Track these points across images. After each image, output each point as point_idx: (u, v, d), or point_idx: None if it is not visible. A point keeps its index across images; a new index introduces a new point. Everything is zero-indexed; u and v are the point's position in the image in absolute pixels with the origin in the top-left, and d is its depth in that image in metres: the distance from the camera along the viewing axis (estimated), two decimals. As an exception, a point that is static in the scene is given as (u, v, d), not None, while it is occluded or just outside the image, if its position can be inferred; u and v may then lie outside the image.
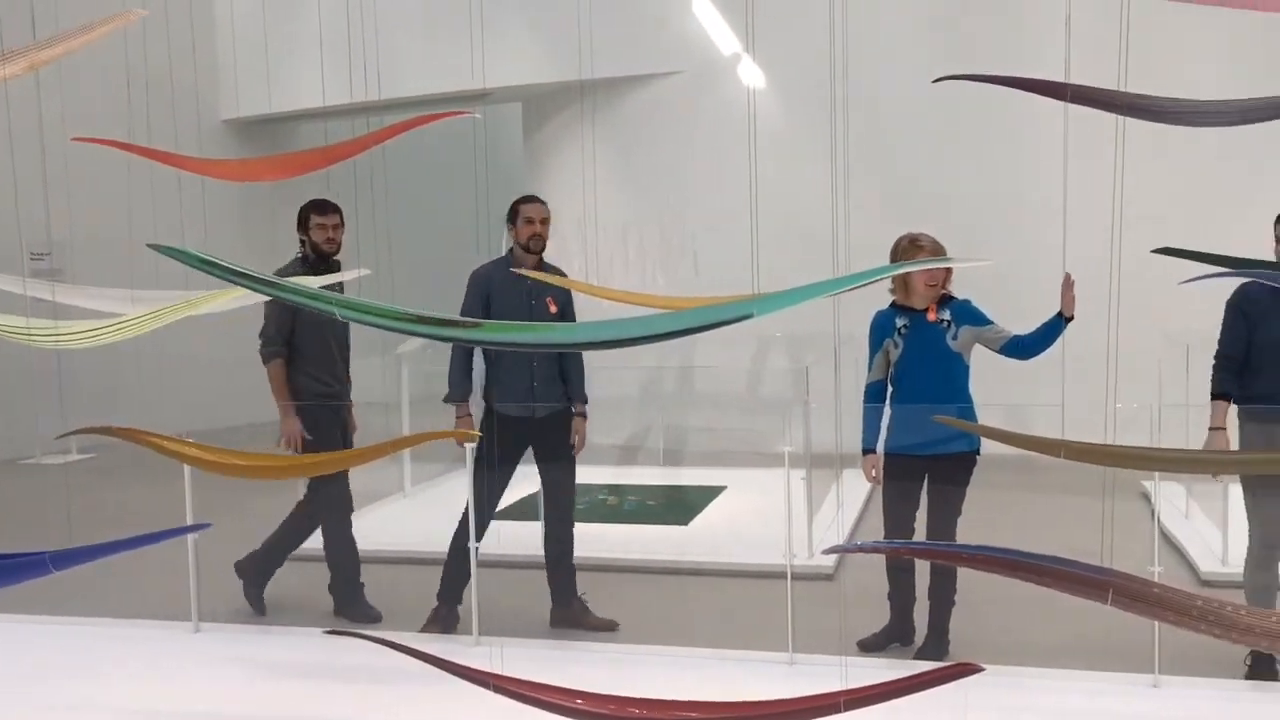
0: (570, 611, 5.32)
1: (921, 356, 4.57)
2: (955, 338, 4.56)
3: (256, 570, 5.67)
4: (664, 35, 10.28)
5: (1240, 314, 4.35)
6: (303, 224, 5.40)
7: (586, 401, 5.26)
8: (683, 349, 8.57)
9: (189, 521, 5.05)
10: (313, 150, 3.65)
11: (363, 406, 5.96)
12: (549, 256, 5.25)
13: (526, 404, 5.01)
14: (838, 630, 5.08)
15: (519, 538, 6.62)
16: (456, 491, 8.45)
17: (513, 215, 5.14)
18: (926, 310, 4.59)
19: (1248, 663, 4.42)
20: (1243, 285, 4.36)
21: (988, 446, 4.35)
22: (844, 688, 2.72)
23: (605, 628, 5.25)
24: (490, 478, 5.18)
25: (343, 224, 5.43)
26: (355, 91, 11.63)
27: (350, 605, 5.57)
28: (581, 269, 8.84)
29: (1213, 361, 4.48)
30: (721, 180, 9.43)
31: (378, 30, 10.98)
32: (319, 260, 5.35)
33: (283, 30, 11.62)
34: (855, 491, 7.67)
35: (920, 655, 4.64)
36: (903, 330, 4.61)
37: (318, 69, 10.97)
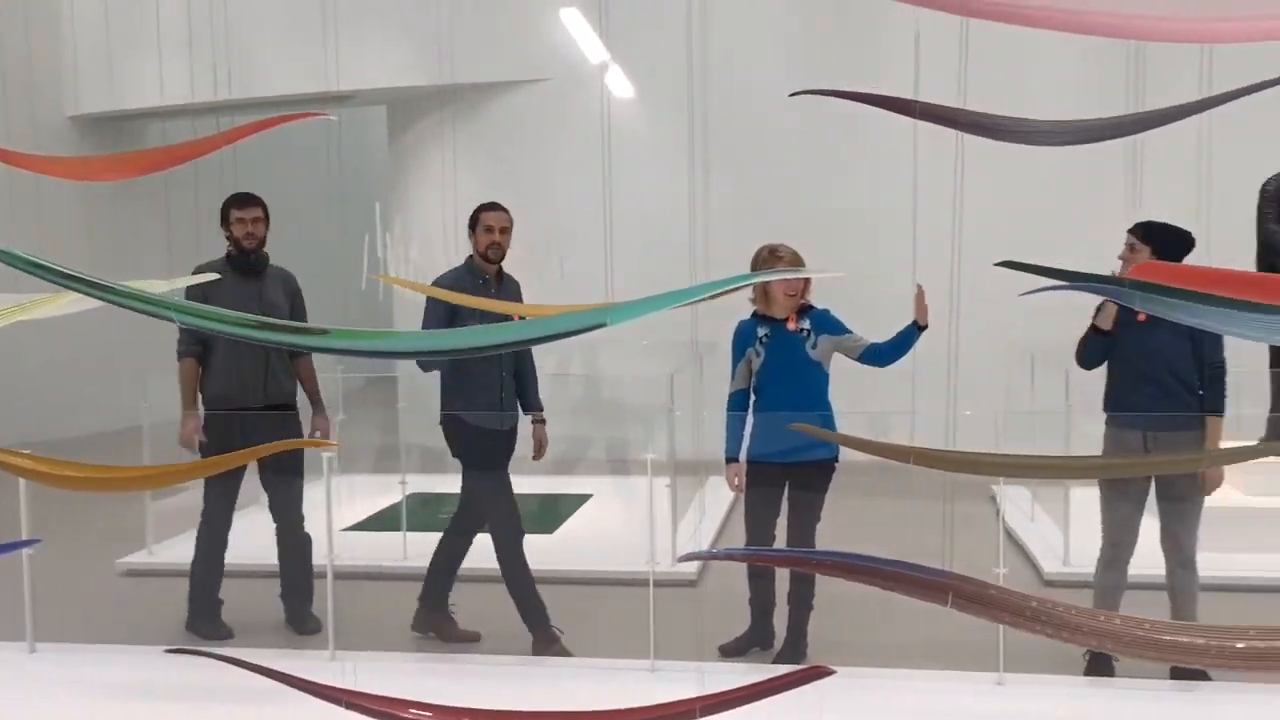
0: (547, 633, 5.09)
1: (782, 365, 4.65)
2: (815, 346, 4.65)
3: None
4: (532, 42, 10.27)
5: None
6: (224, 219, 5.21)
7: (542, 409, 5.20)
8: (558, 354, 8.55)
9: (23, 537, 4.81)
10: (156, 149, 3.54)
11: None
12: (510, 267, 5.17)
13: (497, 414, 4.96)
14: (699, 636, 5.14)
15: (378, 548, 6.54)
16: (317, 501, 8.32)
17: (473, 223, 5.02)
18: (787, 320, 4.66)
19: (1086, 658, 4.61)
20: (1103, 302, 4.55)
21: (847, 453, 4.47)
22: (700, 693, 2.74)
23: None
24: (476, 482, 5.14)
25: (266, 218, 5.23)
26: (210, 90, 11.35)
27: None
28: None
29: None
30: (587, 188, 9.46)
31: (232, 28, 10.77)
32: (241, 256, 5.18)
33: (132, 25, 11.23)
34: (718, 499, 7.77)
35: (779, 659, 4.72)
36: (764, 340, 4.68)
37: (169, 65, 10.66)
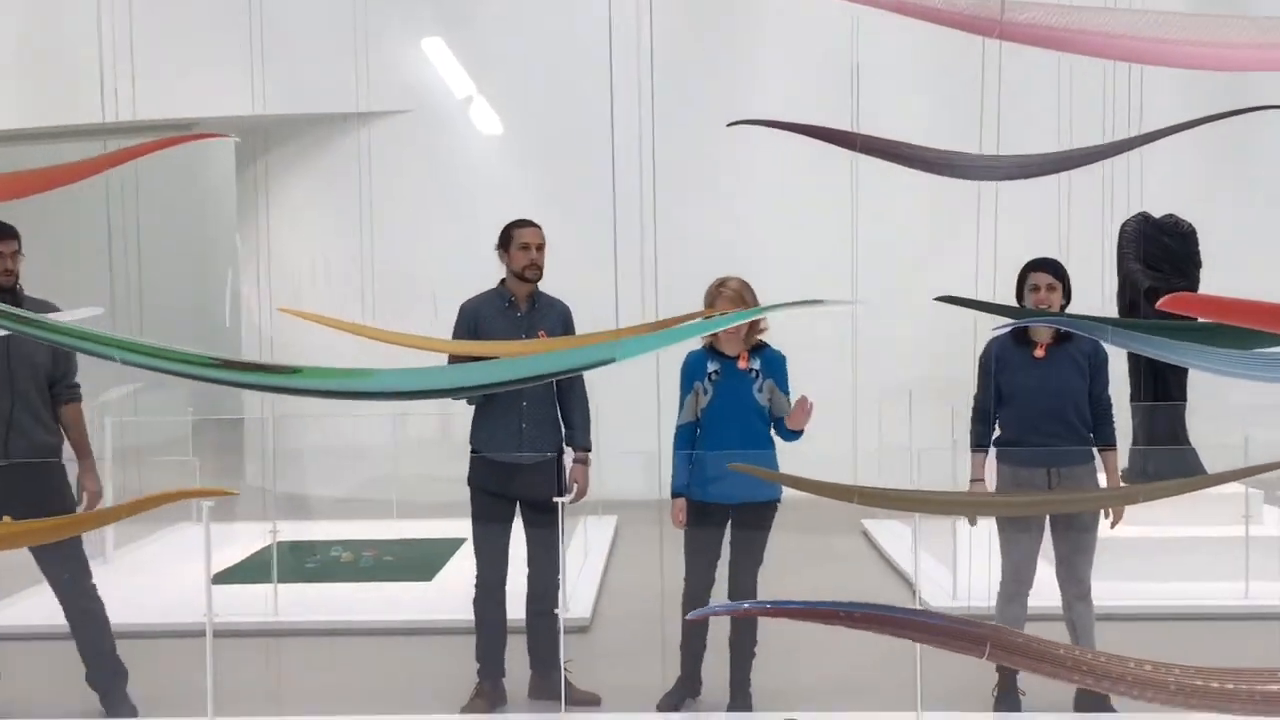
0: (551, 682, 4.71)
1: (728, 404, 4.51)
2: (760, 390, 4.52)
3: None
4: (391, 72, 9.97)
5: (986, 371, 4.60)
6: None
7: (589, 449, 4.77)
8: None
9: None
10: (32, 171, 3.21)
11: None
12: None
13: (513, 452, 4.57)
14: (606, 683, 4.96)
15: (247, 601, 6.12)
16: (162, 556, 7.78)
17: (505, 241, 4.66)
18: (738, 357, 4.52)
19: (994, 694, 4.64)
20: (989, 342, 4.61)
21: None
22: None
23: (589, 701, 4.75)
24: (487, 530, 4.73)
25: (20, 251, 4.57)
26: (42, 115, 10.64)
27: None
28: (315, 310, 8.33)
29: (970, 415, 4.70)
30: (453, 223, 9.21)
31: (69, 49, 10.13)
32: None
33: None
34: (599, 537, 7.62)
35: (732, 708, 4.57)
36: (713, 376, 4.53)
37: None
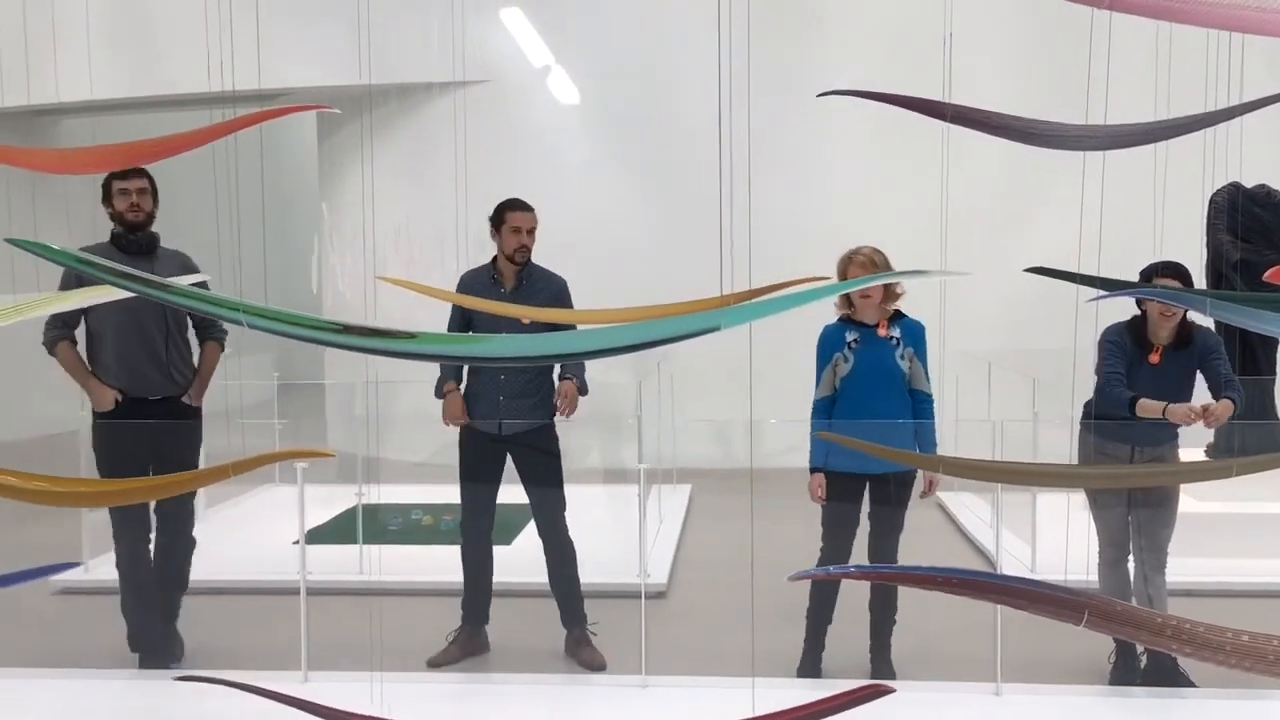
0: (583, 635, 4.96)
1: (871, 372, 4.49)
2: (902, 357, 4.51)
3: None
4: (471, 43, 10.06)
5: (1113, 350, 4.53)
6: (105, 196, 4.73)
7: (584, 385, 4.87)
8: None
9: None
10: (146, 142, 3.30)
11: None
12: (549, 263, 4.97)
13: (495, 420, 4.72)
14: (682, 649, 5.04)
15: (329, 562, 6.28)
16: (255, 513, 8.01)
17: (497, 222, 4.80)
18: (878, 325, 4.52)
19: (1111, 661, 4.67)
20: (1107, 330, 4.57)
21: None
22: (753, 714, 2.64)
23: (596, 665, 4.90)
24: (473, 491, 4.94)
25: (152, 190, 4.75)
26: (130, 86, 10.90)
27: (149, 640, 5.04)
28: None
29: (1098, 387, 4.59)
30: (534, 192, 9.28)
31: (150, 24, 10.36)
32: (127, 233, 4.71)
33: (44, 20, 10.72)
34: (672, 507, 7.68)
35: (875, 675, 4.60)
36: (853, 345, 4.51)
37: (80, 61, 10.20)
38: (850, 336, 4.52)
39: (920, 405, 4.54)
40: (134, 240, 4.71)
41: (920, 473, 4.50)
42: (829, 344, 4.57)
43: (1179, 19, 2.09)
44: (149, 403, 4.82)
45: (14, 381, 10.33)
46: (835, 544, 4.58)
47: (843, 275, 4.45)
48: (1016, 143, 3.28)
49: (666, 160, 9.44)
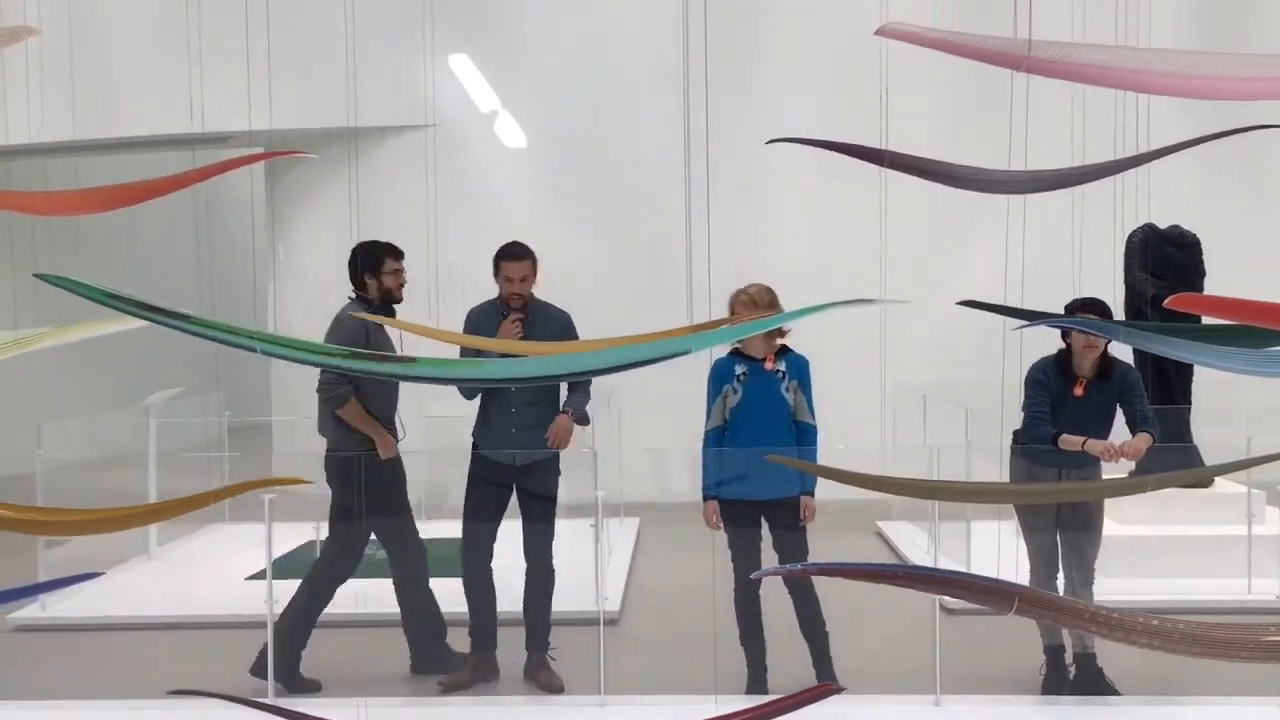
0: (542, 659, 5.14)
1: (757, 403, 4.75)
2: (787, 390, 4.76)
3: (290, 643, 5.16)
4: (420, 88, 10.27)
5: (1039, 385, 4.83)
6: (374, 267, 5.13)
7: (584, 417, 5.07)
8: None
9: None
10: (124, 184, 3.46)
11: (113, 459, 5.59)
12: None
13: (508, 450, 4.90)
14: (634, 673, 5.22)
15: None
16: (206, 550, 8.04)
17: (495, 268, 5.06)
18: (765, 359, 4.77)
19: (1042, 674, 4.91)
20: (1034, 366, 4.87)
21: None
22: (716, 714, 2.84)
23: (554, 688, 5.06)
24: (476, 523, 5.08)
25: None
26: (68, 129, 10.91)
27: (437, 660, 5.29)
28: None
29: (1024, 424, 4.90)
30: (477, 235, 9.47)
31: (99, 66, 10.43)
32: (383, 305, 5.13)
33: (-10, 59, 10.74)
34: (620, 538, 7.86)
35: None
36: (741, 378, 4.76)
37: (21, 102, 10.23)
38: (739, 370, 4.77)
39: (804, 434, 4.79)
40: (387, 309, 5.11)
41: (801, 500, 4.71)
42: (719, 377, 4.83)
43: (1092, 82, 2.36)
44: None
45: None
46: (744, 566, 4.79)
47: (731, 311, 4.65)
48: (948, 186, 3.57)
49: (615, 200, 9.72)
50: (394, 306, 5.16)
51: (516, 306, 5.01)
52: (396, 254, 5.20)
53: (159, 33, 10.52)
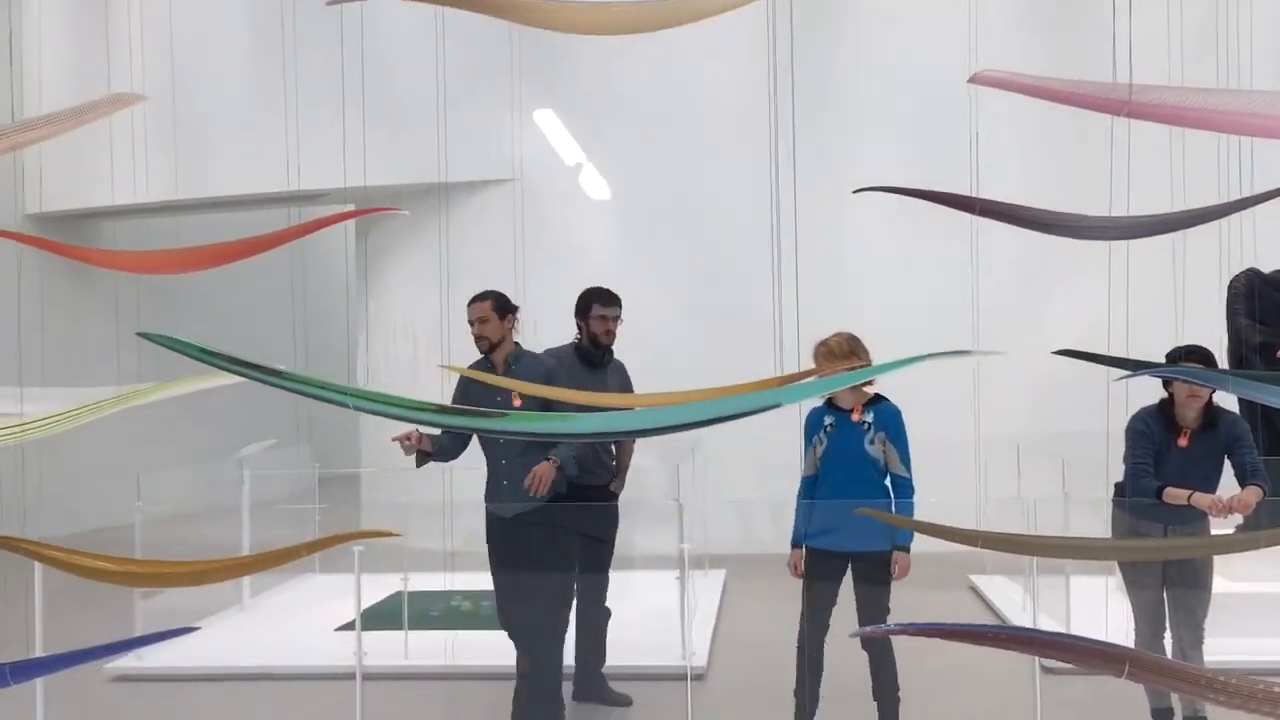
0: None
1: (840, 455, 4.70)
2: (872, 442, 4.69)
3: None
4: (506, 142, 10.44)
5: (1141, 436, 4.69)
6: (583, 311, 5.42)
7: (570, 464, 4.90)
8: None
9: (39, 635, 4.66)
10: (225, 244, 3.55)
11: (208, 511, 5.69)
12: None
13: (499, 504, 4.89)
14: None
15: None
16: (298, 601, 8.14)
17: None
18: (852, 410, 4.71)
19: None
20: (1134, 416, 4.73)
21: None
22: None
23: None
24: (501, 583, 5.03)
25: (621, 318, 5.46)
26: (170, 189, 11.29)
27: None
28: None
29: (1126, 476, 4.73)
30: (562, 286, 9.54)
31: (193, 127, 10.79)
32: (594, 350, 5.39)
33: (92, 124, 11.17)
34: (705, 589, 7.78)
35: None
36: (829, 429, 4.73)
37: (127, 164, 10.62)
38: (828, 420, 4.73)
39: (898, 488, 4.69)
40: (598, 353, 5.41)
41: (893, 554, 4.59)
42: (811, 426, 4.81)
43: (1193, 125, 2.29)
44: (588, 489, 5.27)
45: (68, 477, 10.59)
46: (815, 621, 4.70)
47: (815, 362, 4.58)
48: (1039, 233, 3.50)
49: (699, 252, 9.73)
50: (603, 351, 5.39)
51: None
52: (606, 300, 5.39)
53: (255, 94, 10.89)
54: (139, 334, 2.43)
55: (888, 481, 4.73)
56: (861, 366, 4.29)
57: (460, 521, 9.98)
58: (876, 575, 4.66)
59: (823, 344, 4.66)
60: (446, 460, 4.93)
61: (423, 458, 4.81)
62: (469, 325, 5.03)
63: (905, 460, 4.70)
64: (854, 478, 4.67)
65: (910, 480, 4.69)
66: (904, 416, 4.76)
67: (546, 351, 5.31)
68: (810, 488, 4.80)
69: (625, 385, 5.56)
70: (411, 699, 5.37)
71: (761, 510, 9.40)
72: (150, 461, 7.45)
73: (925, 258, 9.19)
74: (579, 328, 5.43)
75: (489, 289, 5.12)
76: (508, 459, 4.88)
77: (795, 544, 4.78)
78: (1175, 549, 4.38)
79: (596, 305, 5.36)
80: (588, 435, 2.49)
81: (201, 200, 11.37)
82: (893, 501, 4.64)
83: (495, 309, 4.99)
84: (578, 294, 5.43)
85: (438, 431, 4.66)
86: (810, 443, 4.79)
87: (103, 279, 11.74)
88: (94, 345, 11.05)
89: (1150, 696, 4.70)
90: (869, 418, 4.70)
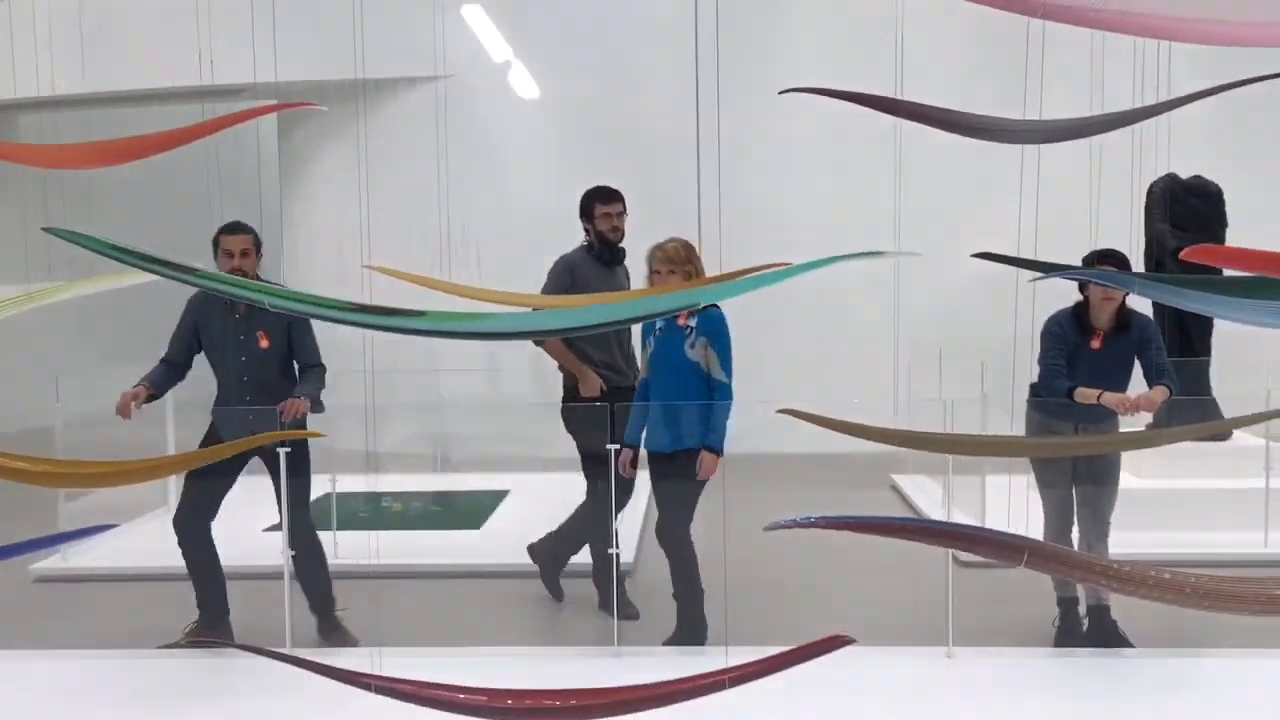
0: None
1: (665, 359, 4.79)
2: (693, 346, 4.71)
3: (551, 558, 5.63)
4: (432, 39, 10.18)
5: (1056, 338, 4.82)
6: (586, 212, 5.33)
7: (317, 404, 5.04)
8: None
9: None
10: (131, 138, 3.44)
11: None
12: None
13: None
14: (644, 625, 5.26)
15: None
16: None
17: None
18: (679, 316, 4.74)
19: (1055, 626, 4.94)
20: (1050, 319, 4.87)
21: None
22: (728, 665, 2.85)
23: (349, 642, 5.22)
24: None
25: (625, 211, 5.35)
26: (86, 82, 10.87)
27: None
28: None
29: (1040, 377, 4.89)
30: (490, 187, 9.42)
31: (108, 20, 10.37)
32: (605, 249, 5.31)
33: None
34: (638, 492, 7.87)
35: (673, 641, 4.90)
36: (659, 333, 4.80)
37: (29, 55, 10.19)
38: (659, 324, 4.80)
39: (717, 392, 4.75)
40: (610, 252, 5.35)
41: (701, 454, 4.69)
42: (645, 330, 4.91)
43: (1113, 29, 2.31)
44: (616, 391, 5.27)
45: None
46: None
47: (649, 267, 4.70)
48: (964, 136, 3.52)
49: (628, 155, 9.64)
50: (611, 250, 5.33)
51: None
52: (606, 197, 5.29)
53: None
54: (46, 229, 2.37)
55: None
56: (701, 274, 4.38)
57: (388, 425, 10.02)
58: (681, 473, 4.77)
59: (659, 248, 4.70)
60: (161, 395, 5.14)
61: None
62: (224, 255, 4.95)
63: (726, 365, 4.72)
64: (675, 379, 4.76)
65: (729, 385, 4.73)
66: (729, 322, 4.78)
67: (560, 258, 5.32)
68: (644, 389, 4.93)
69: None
70: (341, 598, 5.40)
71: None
72: (70, 363, 7.31)
73: (852, 163, 9.22)
74: (586, 230, 5.37)
75: (241, 221, 5.08)
76: (248, 376, 5.00)
77: (627, 444, 4.92)
78: (1084, 446, 4.53)
79: (598, 204, 5.28)
80: (504, 334, 2.50)
81: (113, 94, 10.97)
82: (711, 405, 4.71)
83: (256, 243, 5.01)
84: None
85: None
86: (644, 345, 4.89)
87: (8, 173, 11.35)
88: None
89: (1056, 587, 4.91)
90: (693, 322, 4.71)
